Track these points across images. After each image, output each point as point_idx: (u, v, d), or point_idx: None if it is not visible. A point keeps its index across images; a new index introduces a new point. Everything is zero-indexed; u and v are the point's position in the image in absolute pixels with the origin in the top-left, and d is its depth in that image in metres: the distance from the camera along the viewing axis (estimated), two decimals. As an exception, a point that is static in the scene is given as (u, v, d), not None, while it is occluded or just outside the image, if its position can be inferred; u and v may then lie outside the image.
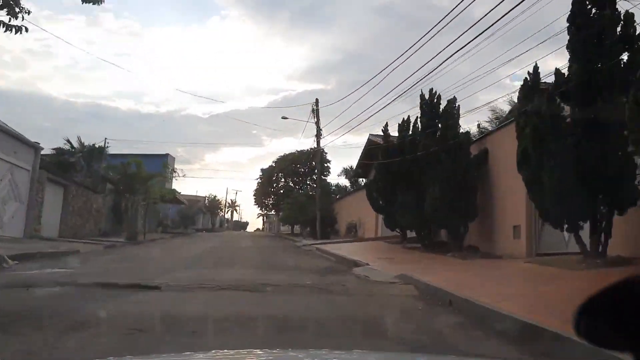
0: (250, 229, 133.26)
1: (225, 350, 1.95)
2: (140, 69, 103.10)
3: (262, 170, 43.88)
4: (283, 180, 43.06)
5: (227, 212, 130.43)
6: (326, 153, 42.39)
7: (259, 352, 2.01)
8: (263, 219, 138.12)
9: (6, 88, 70.24)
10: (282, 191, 41.94)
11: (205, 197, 65.39)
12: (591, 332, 0.73)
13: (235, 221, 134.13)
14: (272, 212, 48.83)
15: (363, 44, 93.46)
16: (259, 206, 44.91)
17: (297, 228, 40.64)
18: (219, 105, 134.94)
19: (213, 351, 2.05)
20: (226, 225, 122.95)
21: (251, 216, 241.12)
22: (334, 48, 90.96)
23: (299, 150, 41.60)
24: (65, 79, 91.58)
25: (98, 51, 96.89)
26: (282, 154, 42.87)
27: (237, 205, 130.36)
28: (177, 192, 38.30)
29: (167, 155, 40.64)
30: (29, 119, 72.87)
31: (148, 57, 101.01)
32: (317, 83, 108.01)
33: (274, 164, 43.26)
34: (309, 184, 40.51)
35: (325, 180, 41.82)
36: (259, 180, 43.90)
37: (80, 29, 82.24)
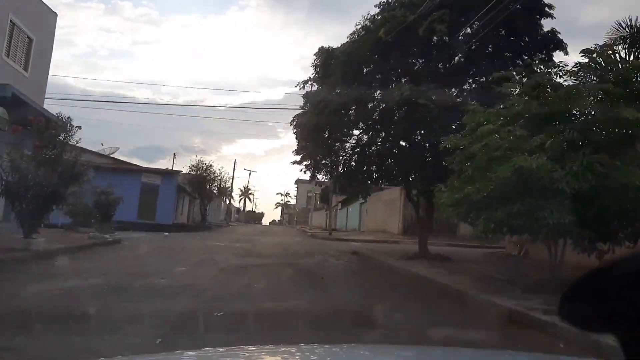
0: (264, 221, 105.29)
1: (218, 348, 1.84)
2: (157, 59, 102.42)
3: (320, 54, 13.81)
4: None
5: (239, 201, 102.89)
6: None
7: (251, 348, 1.89)
8: (282, 209, 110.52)
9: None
10: (402, 112, 12.00)
11: (193, 168, 35.66)
12: (575, 316, 0.74)
13: (249, 211, 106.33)
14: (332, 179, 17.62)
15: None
16: (307, 164, 14.58)
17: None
18: (236, 96, 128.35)
19: (205, 349, 1.80)
20: (236, 216, 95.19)
21: (266, 206, 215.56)
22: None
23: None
24: (84, 68, 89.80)
25: (116, 40, 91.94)
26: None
27: (250, 193, 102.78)
28: None
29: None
30: (47, 107, 67.86)
31: (166, 47, 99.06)
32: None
33: (361, 32, 13.38)
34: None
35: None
36: (309, 86, 14.03)
37: (98, 17, 77.29)
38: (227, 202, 62.55)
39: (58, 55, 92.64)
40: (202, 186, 34.95)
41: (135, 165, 32.54)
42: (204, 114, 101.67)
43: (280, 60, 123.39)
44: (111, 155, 36.97)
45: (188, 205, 40.70)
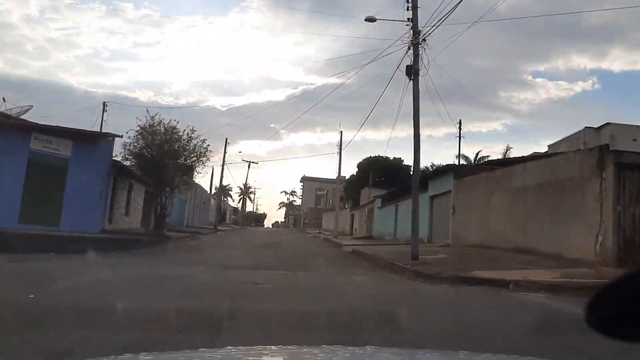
0: (267, 223, 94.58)
1: (240, 347, 1.84)
2: (159, 60, 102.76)
3: None
4: None
5: (238, 201, 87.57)
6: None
7: (273, 348, 1.89)
8: (286, 210, 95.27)
9: (28, 77, 70.46)
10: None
11: (143, 132, 19.91)
12: (603, 324, 0.69)
13: (249, 212, 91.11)
14: None
15: (383, 37, 75.84)
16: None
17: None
18: (238, 97, 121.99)
19: (228, 347, 1.94)
20: (233, 217, 79.75)
21: (268, 207, 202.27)
22: (353, 41, 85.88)
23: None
24: (86, 69, 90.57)
25: (118, 41, 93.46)
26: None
27: (251, 191, 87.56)
28: None
29: None
30: (50, 108, 68.84)
31: (168, 48, 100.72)
32: (336, 77, 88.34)
33: None
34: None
35: None
36: None
37: (100, 19, 78.37)
38: (218, 197, 46.88)
39: (60, 56, 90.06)
40: (157, 164, 19.13)
41: (21, 119, 16.85)
42: (205, 115, 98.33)
43: (282, 61, 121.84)
44: (22, 117, 21.38)
45: (144, 199, 24.86)
